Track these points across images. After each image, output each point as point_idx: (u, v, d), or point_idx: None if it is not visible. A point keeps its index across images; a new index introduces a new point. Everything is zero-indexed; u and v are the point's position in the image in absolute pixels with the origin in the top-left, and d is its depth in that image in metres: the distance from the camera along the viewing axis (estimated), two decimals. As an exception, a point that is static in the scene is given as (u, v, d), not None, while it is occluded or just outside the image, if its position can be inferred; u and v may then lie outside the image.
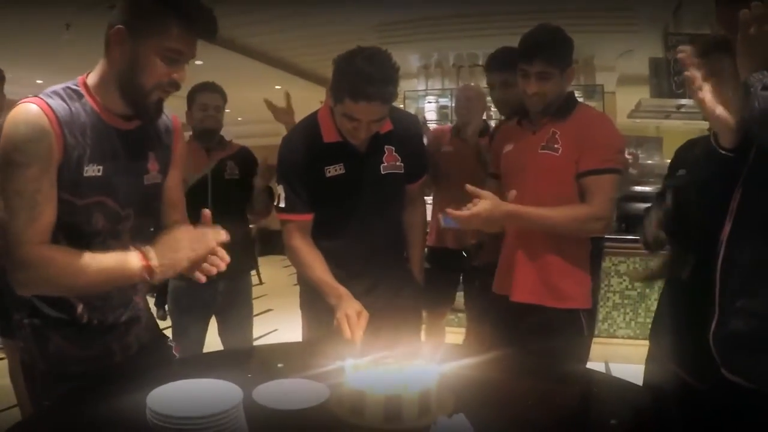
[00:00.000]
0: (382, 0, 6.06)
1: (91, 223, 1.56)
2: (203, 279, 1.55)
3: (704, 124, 3.24)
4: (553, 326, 2.22)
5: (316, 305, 2.26)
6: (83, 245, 1.50)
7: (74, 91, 1.54)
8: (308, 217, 2.28)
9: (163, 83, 1.54)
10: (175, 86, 1.57)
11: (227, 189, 3.19)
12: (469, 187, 2.09)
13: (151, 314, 1.88)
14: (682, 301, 1.84)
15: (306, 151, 2.25)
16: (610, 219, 2.22)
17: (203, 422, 1.18)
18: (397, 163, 2.33)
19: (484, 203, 2.06)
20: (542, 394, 1.67)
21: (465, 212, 2.06)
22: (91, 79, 1.57)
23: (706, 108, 1.41)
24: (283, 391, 1.50)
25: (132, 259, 1.48)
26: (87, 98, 1.55)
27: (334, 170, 2.24)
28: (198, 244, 1.51)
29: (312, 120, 2.32)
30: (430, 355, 1.52)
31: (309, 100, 4.00)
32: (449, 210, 2.08)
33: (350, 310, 2.00)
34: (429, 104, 7.50)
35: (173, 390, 1.32)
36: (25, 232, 1.43)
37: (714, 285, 1.47)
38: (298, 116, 2.41)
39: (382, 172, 2.30)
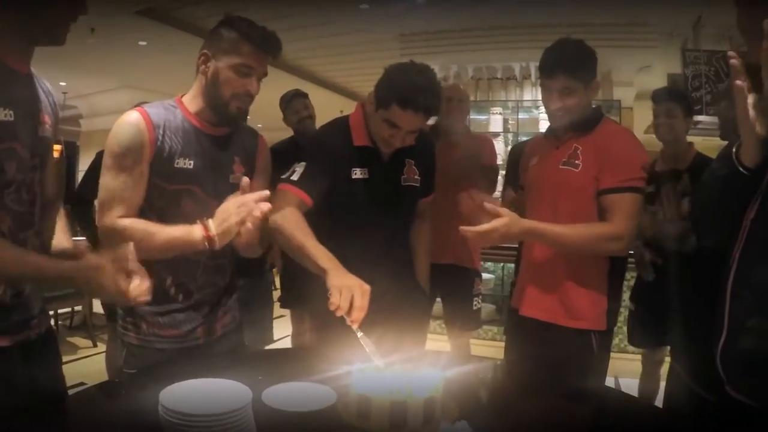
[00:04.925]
0: (403, 12, 6.10)
1: (180, 206, 1.89)
2: (249, 233, 1.77)
3: (721, 141, 3.23)
4: (561, 344, 2.21)
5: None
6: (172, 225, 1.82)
7: (171, 104, 1.94)
8: (310, 202, 2.18)
9: (239, 94, 1.89)
10: (250, 96, 1.92)
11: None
12: (487, 205, 2.07)
13: (237, 307, 2.14)
14: (694, 315, 1.85)
15: (338, 148, 2.28)
16: (629, 239, 2.15)
17: (213, 420, 1.21)
18: (415, 177, 2.39)
19: (501, 219, 2.04)
20: (546, 407, 1.69)
21: (482, 228, 2.04)
22: (186, 97, 1.97)
23: (748, 116, 1.35)
24: (291, 393, 1.52)
25: (195, 230, 1.77)
26: (180, 109, 1.94)
27: (360, 173, 2.28)
28: (242, 207, 1.75)
29: (344, 122, 2.36)
30: (436, 363, 1.54)
31: (328, 109, 4.05)
32: (463, 228, 2.06)
33: (350, 280, 1.83)
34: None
35: (185, 388, 1.36)
36: (111, 207, 1.81)
37: (724, 302, 1.48)
38: (316, 125, 2.46)
39: (403, 184, 2.36)
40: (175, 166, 1.87)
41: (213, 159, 1.94)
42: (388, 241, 2.33)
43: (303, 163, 2.22)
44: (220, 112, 1.92)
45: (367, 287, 1.80)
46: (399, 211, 2.38)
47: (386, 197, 2.31)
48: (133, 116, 1.84)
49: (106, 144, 1.84)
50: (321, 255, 1.95)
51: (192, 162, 1.89)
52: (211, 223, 1.77)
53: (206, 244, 1.76)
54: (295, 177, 2.19)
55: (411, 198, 2.43)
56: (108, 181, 1.83)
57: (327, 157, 2.25)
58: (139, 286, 1.48)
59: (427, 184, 2.47)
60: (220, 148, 1.97)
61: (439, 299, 3.68)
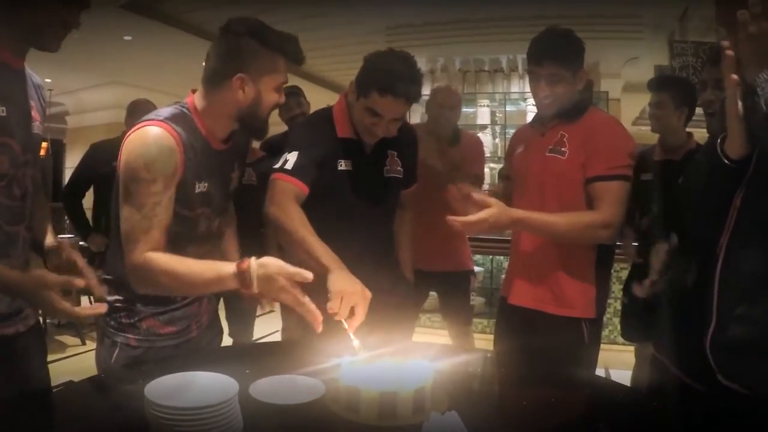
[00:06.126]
0: (389, 4, 6.09)
1: (198, 230, 1.82)
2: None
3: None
4: (552, 333, 2.22)
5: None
6: (186, 247, 1.74)
7: (186, 115, 1.75)
8: (306, 191, 2.18)
9: (274, 107, 1.82)
10: (278, 106, 1.85)
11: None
12: (475, 195, 2.09)
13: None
14: (682, 305, 1.85)
15: (323, 139, 2.29)
16: (617, 227, 2.18)
17: (198, 413, 1.19)
18: (398, 168, 2.41)
19: (490, 209, 2.05)
20: (537, 396, 1.69)
21: (471, 218, 2.05)
22: (200, 105, 1.78)
23: (736, 109, 1.36)
24: (279, 386, 1.51)
25: (227, 268, 1.60)
26: (197, 124, 1.76)
27: (345, 164, 2.29)
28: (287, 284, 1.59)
29: (327, 114, 2.36)
30: (425, 354, 1.53)
31: (316, 103, 4.03)
32: (451, 218, 2.06)
33: (352, 286, 1.81)
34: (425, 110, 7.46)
35: (171, 382, 1.34)
36: (139, 240, 1.62)
37: (712, 291, 1.48)
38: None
39: (385, 175, 2.38)
40: (196, 191, 1.76)
41: (220, 177, 1.87)
42: (372, 232, 2.34)
43: (295, 152, 2.20)
44: (257, 129, 1.84)
45: (368, 294, 1.80)
46: (382, 202, 2.39)
47: (369, 189, 2.32)
48: (161, 134, 1.64)
49: (126, 165, 1.64)
50: (323, 252, 1.97)
51: (206, 184, 1.78)
52: (253, 263, 1.58)
53: (239, 281, 1.58)
54: (289, 166, 2.18)
55: (394, 189, 2.44)
56: (132, 212, 1.63)
57: (315, 147, 2.24)
58: (89, 309, 1.49)
59: (408, 175, 2.48)
60: (225, 163, 1.89)
61: (434, 294, 3.70)
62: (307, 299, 1.60)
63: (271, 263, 1.58)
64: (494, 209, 2.05)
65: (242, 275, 1.57)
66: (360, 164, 2.30)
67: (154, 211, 1.63)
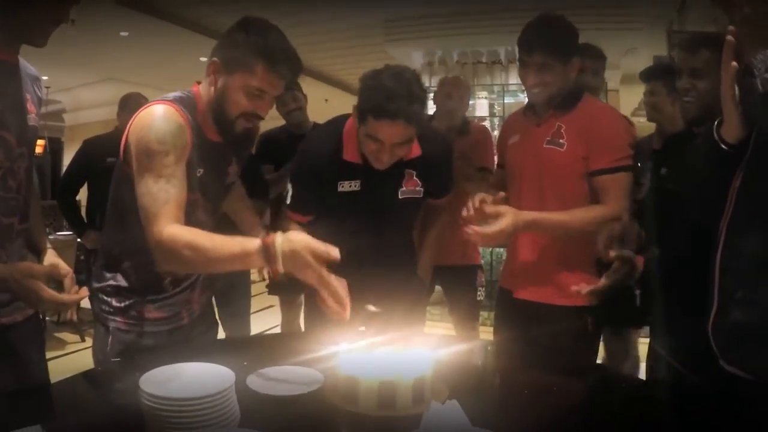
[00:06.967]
0: (386, -3, 6.08)
1: (195, 215, 1.78)
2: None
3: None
4: (554, 323, 2.19)
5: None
6: None
7: (190, 99, 1.76)
8: (304, 219, 2.29)
9: (248, 114, 1.73)
10: (258, 118, 1.77)
11: None
12: (487, 208, 2.01)
13: (209, 284, 2.06)
14: (679, 293, 1.84)
15: (323, 161, 2.20)
16: (626, 217, 2.11)
17: (195, 404, 1.18)
18: (417, 188, 2.28)
19: (507, 219, 1.99)
20: (538, 385, 1.67)
21: (489, 230, 1.99)
22: (203, 91, 1.78)
23: (733, 93, 1.36)
24: (277, 377, 1.50)
25: (252, 244, 1.53)
26: (198, 110, 1.76)
27: (348, 186, 2.19)
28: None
29: (337, 131, 2.23)
30: (425, 343, 1.51)
31: (312, 97, 4.01)
32: (469, 229, 1.99)
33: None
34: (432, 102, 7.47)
35: (166, 372, 1.33)
36: (159, 212, 1.59)
37: (713, 276, 1.46)
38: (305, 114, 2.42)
39: (400, 197, 2.25)
40: (197, 174, 1.75)
41: (215, 166, 1.85)
42: (378, 252, 2.25)
43: (290, 185, 2.28)
44: (224, 130, 1.77)
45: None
46: (393, 223, 2.30)
47: (379, 209, 2.22)
48: (170, 110, 1.66)
49: (138, 142, 1.64)
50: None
51: (202, 170, 1.77)
52: (278, 238, 1.51)
53: (264, 256, 1.50)
54: (288, 200, 2.28)
55: (409, 210, 2.34)
56: (149, 185, 1.61)
57: (310, 173, 2.23)
58: (74, 296, 1.50)
59: (435, 189, 2.36)
60: (220, 154, 1.86)
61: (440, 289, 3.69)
62: (333, 280, 1.52)
63: (297, 238, 1.51)
64: (509, 218, 1.99)
65: (267, 249, 1.49)
66: (370, 184, 2.19)
67: (170, 183, 1.62)
